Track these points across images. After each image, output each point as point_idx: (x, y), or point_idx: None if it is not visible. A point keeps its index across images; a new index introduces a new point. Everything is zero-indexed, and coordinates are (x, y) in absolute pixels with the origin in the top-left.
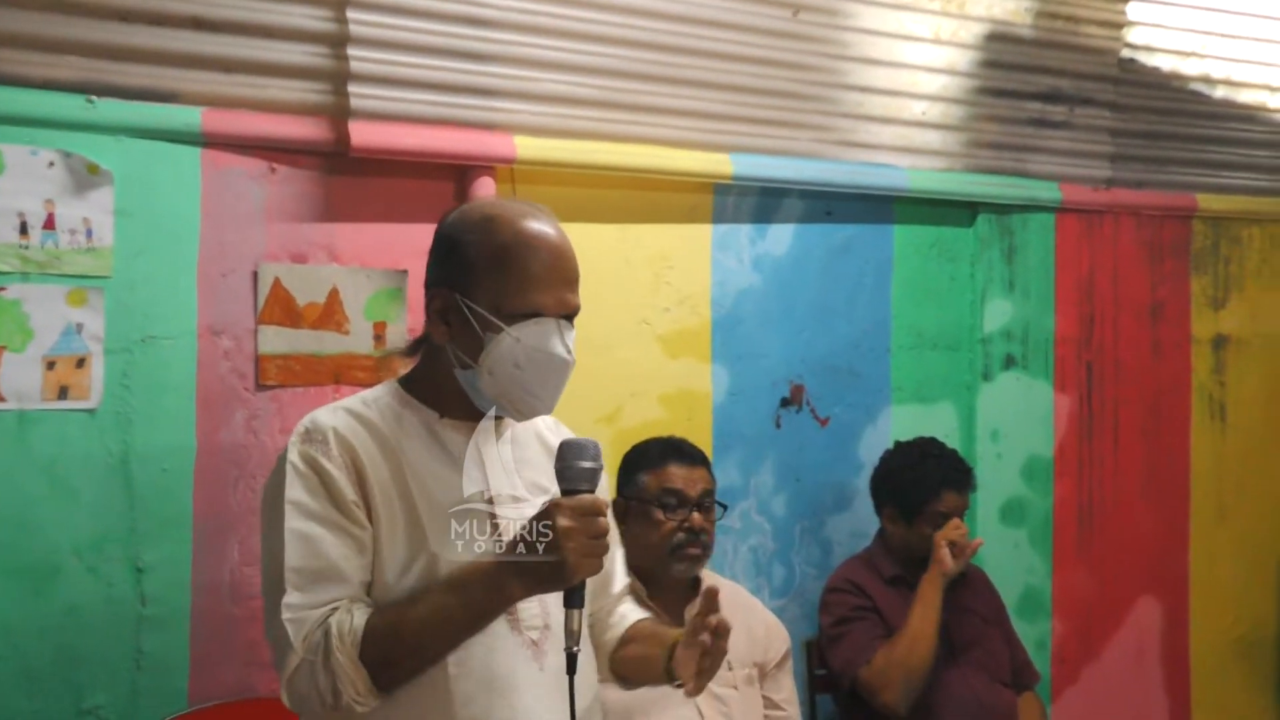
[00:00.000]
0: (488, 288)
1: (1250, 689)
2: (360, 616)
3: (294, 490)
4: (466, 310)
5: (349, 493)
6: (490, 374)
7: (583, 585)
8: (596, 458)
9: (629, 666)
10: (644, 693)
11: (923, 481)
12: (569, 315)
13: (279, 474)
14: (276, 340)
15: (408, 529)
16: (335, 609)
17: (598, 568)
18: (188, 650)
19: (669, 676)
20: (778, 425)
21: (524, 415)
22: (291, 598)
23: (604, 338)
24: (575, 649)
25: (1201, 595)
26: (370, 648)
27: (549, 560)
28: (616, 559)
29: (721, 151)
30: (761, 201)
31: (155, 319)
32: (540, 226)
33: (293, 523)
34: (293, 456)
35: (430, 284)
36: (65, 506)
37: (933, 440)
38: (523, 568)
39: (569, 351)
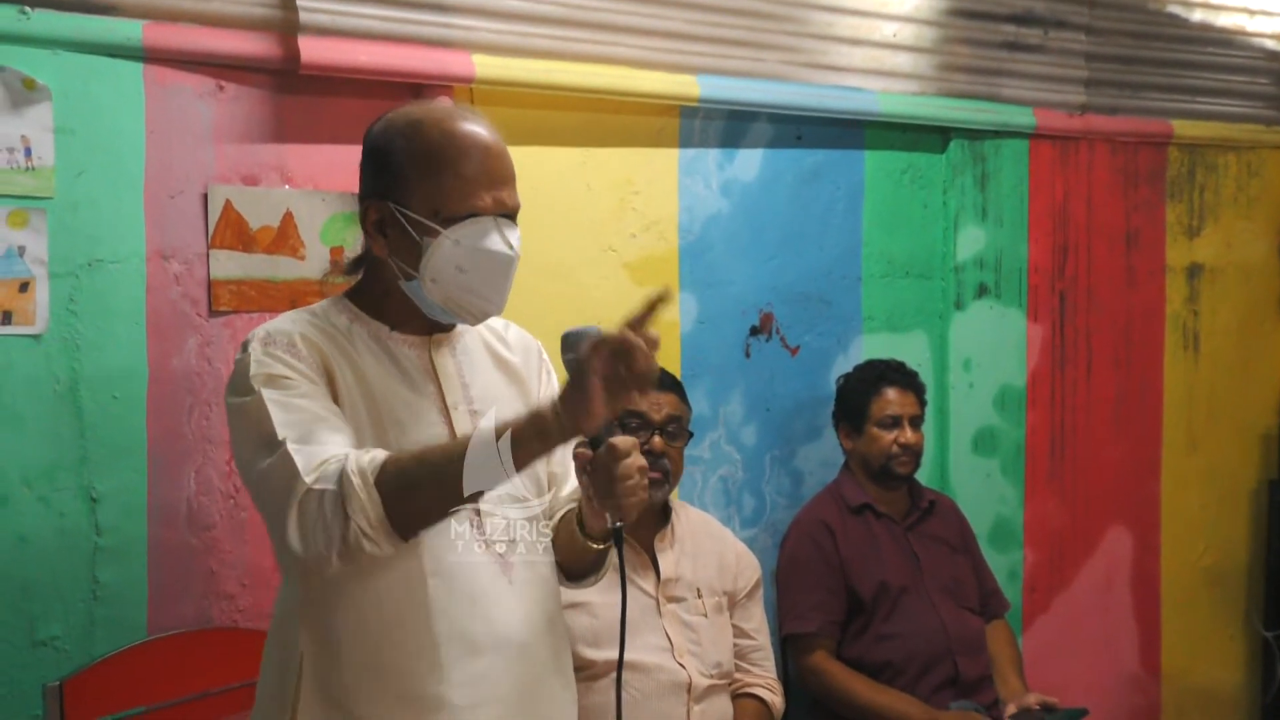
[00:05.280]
0: (422, 193)
1: (1219, 617)
2: (381, 453)
3: (261, 377)
4: (402, 219)
5: (319, 383)
6: (434, 281)
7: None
8: None
9: (560, 555)
10: (612, 620)
11: (863, 383)
12: (507, 214)
13: (242, 373)
14: (229, 265)
15: (372, 434)
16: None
17: (644, 498)
18: (146, 580)
19: (589, 537)
20: (747, 354)
21: (475, 318)
22: (295, 445)
23: (568, 264)
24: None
25: (1172, 524)
26: (387, 478)
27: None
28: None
29: (688, 73)
30: (729, 125)
31: (101, 242)
32: (469, 126)
33: (271, 396)
34: (256, 355)
35: (363, 197)
36: (12, 434)
37: (881, 359)
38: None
39: (511, 247)
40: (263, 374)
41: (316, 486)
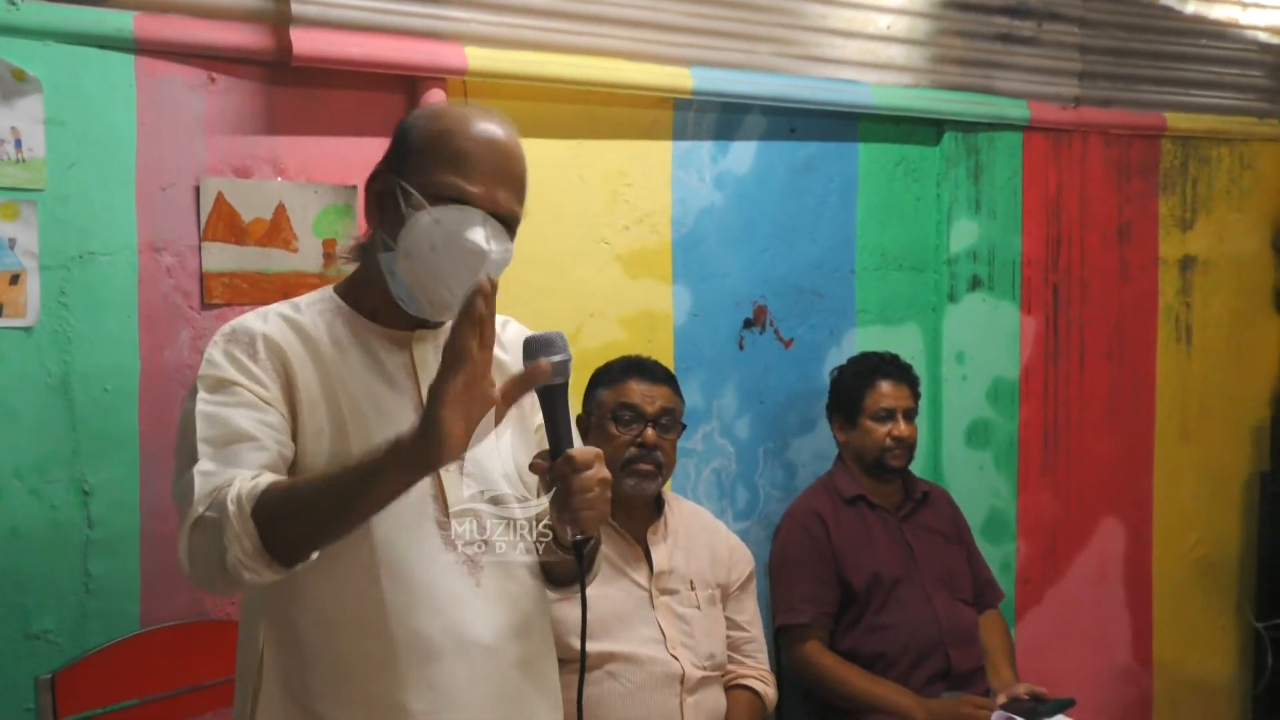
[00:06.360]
0: (421, 166)
1: (1211, 609)
2: (266, 478)
3: (209, 379)
4: (399, 191)
5: (271, 390)
6: (407, 255)
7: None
8: (565, 348)
9: (545, 561)
10: (606, 613)
11: (857, 376)
12: (501, 216)
13: (200, 368)
14: (221, 257)
15: (332, 440)
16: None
17: (605, 511)
18: (138, 573)
19: (561, 547)
20: (740, 347)
21: (436, 309)
22: (205, 463)
23: (561, 257)
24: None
25: (1164, 516)
26: (264, 505)
27: None
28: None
29: (681, 65)
30: (723, 118)
31: (92, 234)
32: (489, 124)
33: (204, 406)
34: (212, 354)
35: (377, 168)
36: (3, 427)
37: (876, 352)
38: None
39: (487, 242)
40: (211, 376)
41: (206, 514)
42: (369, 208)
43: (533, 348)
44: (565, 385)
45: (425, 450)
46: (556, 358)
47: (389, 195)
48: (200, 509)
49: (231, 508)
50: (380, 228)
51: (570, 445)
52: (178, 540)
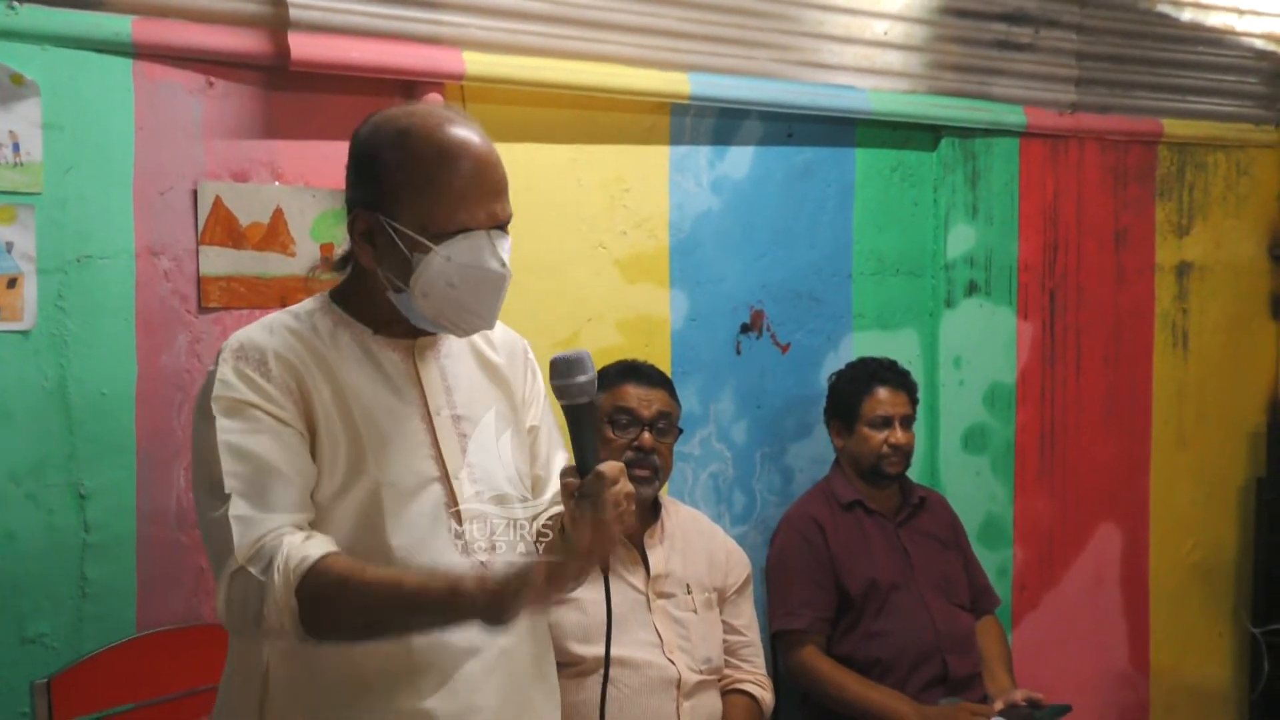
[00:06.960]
0: (412, 208)
1: (1208, 613)
2: (317, 548)
3: (224, 402)
4: (391, 232)
5: (287, 409)
6: (424, 296)
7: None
8: (591, 368)
9: None
10: (602, 616)
11: (854, 382)
12: (500, 226)
13: (207, 390)
14: (219, 261)
15: (348, 451)
16: (291, 530)
17: (631, 524)
18: (134, 577)
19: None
20: (738, 351)
21: (465, 332)
22: (238, 505)
23: (559, 261)
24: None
25: (1161, 521)
26: (309, 587)
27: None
28: (553, 469)
29: (679, 70)
30: (720, 123)
31: (90, 238)
32: (460, 135)
33: (225, 435)
34: (224, 373)
35: (351, 204)
36: (0, 431)
37: (874, 358)
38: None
39: (503, 264)
40: (226, 399)
41: (248, 569)
42: (357, 246)
43: (561, 368)
44: (591, 404)
45: (495, 616)
46: (583, 378)
47: (379, 235)
48: (241, 561)
49: (278, 578)
50: (381, 268)
51: (597, 461)
52: (215, 581)
